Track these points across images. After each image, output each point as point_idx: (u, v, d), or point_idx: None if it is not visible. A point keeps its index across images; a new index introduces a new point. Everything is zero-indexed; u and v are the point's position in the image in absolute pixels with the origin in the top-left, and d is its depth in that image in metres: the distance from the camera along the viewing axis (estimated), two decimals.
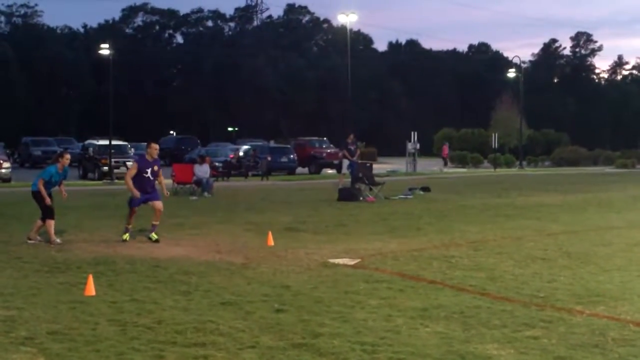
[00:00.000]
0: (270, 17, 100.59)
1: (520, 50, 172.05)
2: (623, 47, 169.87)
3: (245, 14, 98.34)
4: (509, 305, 7.38)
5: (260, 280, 8.67)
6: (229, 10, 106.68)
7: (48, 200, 11.43)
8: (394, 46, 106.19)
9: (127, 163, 30.13)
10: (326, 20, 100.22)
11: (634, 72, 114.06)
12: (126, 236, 11.81)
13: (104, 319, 6.76)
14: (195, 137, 52.91)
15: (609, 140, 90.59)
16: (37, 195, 11.56)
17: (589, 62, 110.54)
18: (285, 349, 5.89)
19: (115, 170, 30.66)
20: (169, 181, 24.16)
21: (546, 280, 8.72)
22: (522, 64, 69.44)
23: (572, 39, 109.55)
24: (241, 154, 36.79)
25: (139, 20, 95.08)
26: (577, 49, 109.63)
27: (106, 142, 33.70)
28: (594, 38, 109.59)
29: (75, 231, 12.51)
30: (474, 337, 6.23)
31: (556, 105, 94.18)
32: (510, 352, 5.85)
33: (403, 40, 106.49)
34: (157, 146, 12.26)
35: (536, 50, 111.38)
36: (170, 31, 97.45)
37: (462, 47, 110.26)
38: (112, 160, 31.32)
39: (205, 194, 21.17)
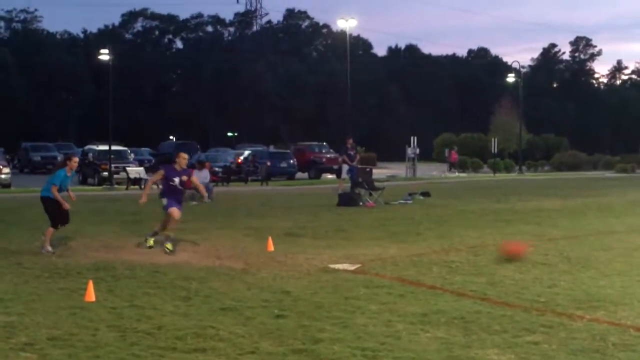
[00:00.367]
0: (269, 22, 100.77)
1: (520, 55, 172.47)
2: (622, 51, 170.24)
3: (244, 19, 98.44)
4: (510, 311, 7.37)
5: (260, 286, 8.66)
6: (228, 16, 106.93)
7: (67, 205, 11.38)
8: (393, 51, 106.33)
9: (127, 168, 30.15)
10: (325, 26, 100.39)
11: (633, 76, 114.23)
12: (151, 242, 11.52)
13: (104, 324, 6.75)
14: (195, 143, 52.89)
15: (609, 144, 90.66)
16: (47, 201, 11.41)
17: (588, 67, 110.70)
18: (285, 354, 5.88)
19: (115, 176, 30.65)
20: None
21: (546, 285, 8.72)
22: (522, 69, 69.58)
23: (571, 43, 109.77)
24: (241, 159, 36.79)
25: (138, 25, 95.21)
26: (577, 54, 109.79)
27: (106, 148, 33.71)
28: (593, 43, 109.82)
29: (75, 237, 12.50)
30: (475, 343, 6.23)
31: (556, 110, 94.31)
32: (510, 357, 5.85)
33: (402, 45, 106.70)
34: (186, 156, 12.10)
35: (535, 55, 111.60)
36: (170, 36, 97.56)
37: (462, 52, 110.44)
38: (112, 165, 31.31)
39: (209, 199, 21.17)
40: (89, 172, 33.58)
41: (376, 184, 22.51)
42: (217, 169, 31.51)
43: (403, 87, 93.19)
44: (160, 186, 12.17)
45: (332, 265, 10.04)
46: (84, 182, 33.38)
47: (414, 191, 23.99)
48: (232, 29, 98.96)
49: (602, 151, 71.62)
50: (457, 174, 46.48)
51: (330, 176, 38.69)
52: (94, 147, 37.18)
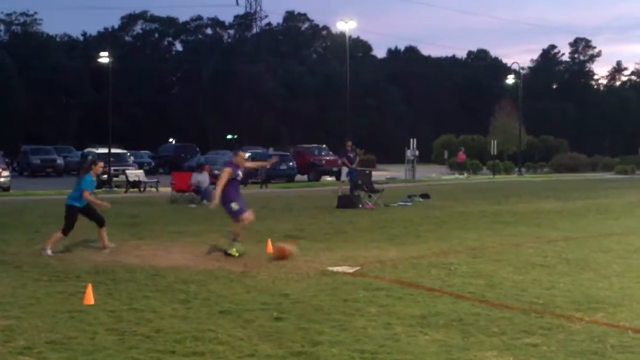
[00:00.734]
0: (269, 24, 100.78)
1: (519, 56, 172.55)
2: (622, 53, 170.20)
3: (244, 21, 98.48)
4: (508, 313, 7.37)
5: (259, 289, 8.67)
6: (228, 18, 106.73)
7: (107, 204, 11.54)
8: (392, 53, 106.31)
9: (126, 171, 30.14)
10: (325, 27, 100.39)
11: (633, 78, 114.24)
12: (234, 250, 11.21)
13: (103, 328, 6.76)
14: (194, 145, 52.94)
15: (608, 146, 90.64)
16: (72, 209, 11.42)
17: (587, 68, 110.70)
18: (284, 357, 5.89)
19: (114, 179, 30.65)
20: (168, 189, 24.23)
21: (545, 287, 8.72)
22: (521, 70, 69.66)
23: (570, 45, 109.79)
24: None
25: (138, 28, 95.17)
26: (576, 55, 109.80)
27: (105, 151, 33.70)
28: (593, 44, 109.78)
29: (74, 240, 12.50)
30: (473, 345, 6.23)
31: (555, 112, 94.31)
32: (509, 359, 5.85)
33: (402, 47, 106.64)
34: (245, 154, 12.04)
35: (535, 56, 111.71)
36: (170, 39, 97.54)
37: (461, 54, 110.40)
38: (111, 168, 31.30)
39: (205, 202, 21.17)
40: None
41: (375, 186, 22.54)
42: (217, 171, 31.49)
43: (402, 88, 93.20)
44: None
45: (331, 268, 10.04)
46: None
47: (413, 193, 24.01)
48: (231, 32, 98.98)
49: (601, 153, 71.65)
50: (456, 175, 46.53)
51: (329, 178, 38.70)
52: (94, 150, 37.21)
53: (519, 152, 54.78)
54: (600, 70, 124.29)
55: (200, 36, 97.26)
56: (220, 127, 79.74)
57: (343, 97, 50.19)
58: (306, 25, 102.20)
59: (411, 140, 41.14)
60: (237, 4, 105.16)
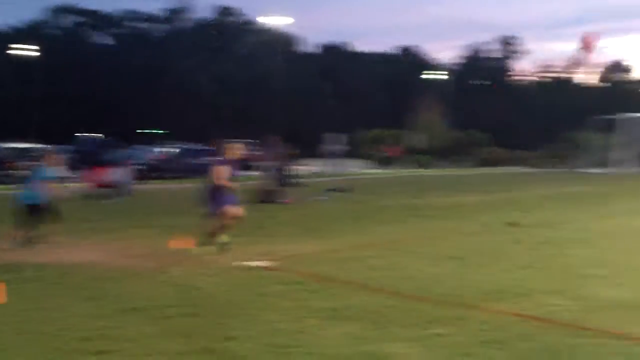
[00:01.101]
0: (201, 19, 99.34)
1: (447, 52, 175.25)
2: (550, 50, 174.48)
3: (175, 16, 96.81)
4: (420, 304, 7.51)
5: (172, 284, 8.54)
6: (159, 12, 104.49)
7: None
8: (325, 49, 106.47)
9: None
10: (258, 23, 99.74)
11: (558, 75, 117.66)
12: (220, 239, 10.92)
13: (9, 327, 6.53)
14: (116, 139, 51.78)
15: (534, 141, 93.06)
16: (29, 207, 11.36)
17: (514, 65, 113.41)
18: (194, 353, 5.82)
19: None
20: (83, 184, 23.61)
21: (458, 278, 8.92)
22: (449, 67, 70.93)
23: (499, 41, 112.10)
24: (164, 156, 36.28)
25: (66, 21, 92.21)
26: (504, 52, 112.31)
27: (17, 145, 32.62)
28: (521, 41, 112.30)
29: None
30: (385, 336, 6.32)
31: (482, 107, 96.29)
32: (419, 350, 5.96)
33: (333, 43, 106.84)
34: (238, 146, 11.55)
35: (463, 52, 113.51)
36: (99, 32, 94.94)
37: (392, 50, 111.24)
38: (20, 163, 30.41)
39: (122, 197, 20.75)
40: None
41: (296, 180, 22.58)
42: (138, 166, 30.92)
43: (334, 84, 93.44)
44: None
45: (247, 263, 9.98)
46: None
47: (334, 187, 24.17)
48: (162, 26, 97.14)
49: (527, 148, 73.50)
50: (381, 170, 47.04)
51: (252, 173, 38.49)
52: (3, 145, 36.01)
53: (442, 147, 55.76)
54: (527, 67, 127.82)
55: (130, 30, 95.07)
56: (148, 122, 78.27)
57: (274, 92, 50.05)
58: (238, 20, 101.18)
59: (336, 134, 41.36)
60: None
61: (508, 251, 11.18)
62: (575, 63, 69.19)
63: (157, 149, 40.16)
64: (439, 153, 58.16)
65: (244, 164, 29.88)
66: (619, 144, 39.14)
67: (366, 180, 34.46)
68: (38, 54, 35.21)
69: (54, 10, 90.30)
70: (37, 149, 35.11)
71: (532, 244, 12.03)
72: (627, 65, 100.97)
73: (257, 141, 45.45)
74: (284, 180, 21.34)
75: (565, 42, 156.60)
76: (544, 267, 9.84)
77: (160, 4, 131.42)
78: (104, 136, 64.56)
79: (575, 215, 17.08)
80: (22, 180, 11.55)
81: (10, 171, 31.01)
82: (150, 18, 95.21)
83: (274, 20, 43.47)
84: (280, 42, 47.31)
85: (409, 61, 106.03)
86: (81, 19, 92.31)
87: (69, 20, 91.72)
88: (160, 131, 75.08)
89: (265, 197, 20.12)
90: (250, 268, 9.65)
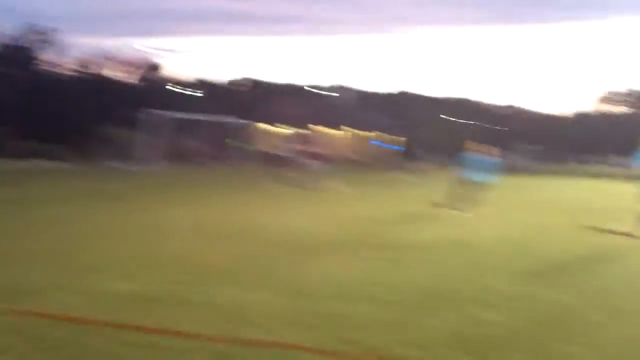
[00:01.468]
0: None
1: None
2: (84, 44, 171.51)
3: None
4: None
5: None
6: None
7: None
8: None
9: None
10: None
11: (92, 70, 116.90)
12: None
13: None
14: None
15: (64, 134, 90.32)
16: None
17: (46, 56, 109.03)
18: None
19: None
20: None
21: None
22: None
23: (27, 30, 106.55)
24: None
25: None
26: (33, 42, 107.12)
27: None
28: (53, 33, 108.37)
29: None
30: None
31: (5, 97, 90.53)
32: None
33: None
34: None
35: None
36: None
37: None
38: None
39: None
40: None
41: None
42: None
43: None
44: None
45: None
46: None
47: None
48: None
49: (56, 140, 70.97)
50: None
51: None
52: None
53: None
54: (62, 59, 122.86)
55: None
56: None
57: None
58: None
59: None
60: None
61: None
62: (110, 59, 70.45)
63: None
64: None
65: None
66: (144, 141, 41.35)
67: None
68: None
69: None
70: None
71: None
72: (158, 64, 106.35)
73: None
74: None
75: (102, 38, 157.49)
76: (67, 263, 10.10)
77: None
78: None
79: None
80: None
81: None
82: None
83: None
84: None
85: None
86: None
87: None
88: None
89: None
90: None
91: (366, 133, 64.95)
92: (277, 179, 29.57)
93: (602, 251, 14.01)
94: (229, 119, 47.72)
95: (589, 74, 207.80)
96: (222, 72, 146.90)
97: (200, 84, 71.29)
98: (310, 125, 53.53)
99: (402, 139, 67.76)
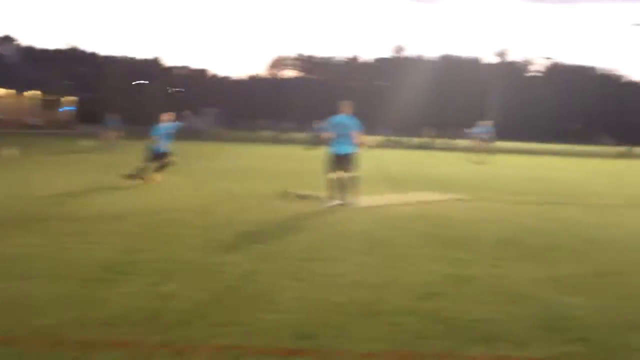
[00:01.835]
0: None
1: None
2: None
3: None
4: None
5: None
6: None
7: None
8: None
9: None
10: None
11: None
12: None
13: None
14: None
15: None
16: None
17: None
18: None
19: None
20: None
21: None
22: None
23: None
24: None
25: None
26: None
27: None
28: None
29: None
30: None
31: None
32: None
33: None
34: None
35: None
36: None
37: None
38: None
39: None
40: None
41: None
42: None
43: None
44: None
45: None
46: None
47: None
48: None
49: None
50: None
51: None
52: None
53: None
54: None
55: None
56: None
57: None
58: None
59: None
60: None
61: None
62: None
63: None
64: None
65: None
66: None
67: None
68: None
69: None
70: None
71: None
72: None
73: None
74: None
75: None
76: None
77: None
78: None
79: None
80: None
81: None
82: None
83: None
84: None
85: None
86: None
87: None
88: None
89: None
90: None
91: (36, 93, 60.27)
92: None
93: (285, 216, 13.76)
94: None
95: (261, 39, 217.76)
96: None
97: None
98: None
99: (74, 98, 64.33)
